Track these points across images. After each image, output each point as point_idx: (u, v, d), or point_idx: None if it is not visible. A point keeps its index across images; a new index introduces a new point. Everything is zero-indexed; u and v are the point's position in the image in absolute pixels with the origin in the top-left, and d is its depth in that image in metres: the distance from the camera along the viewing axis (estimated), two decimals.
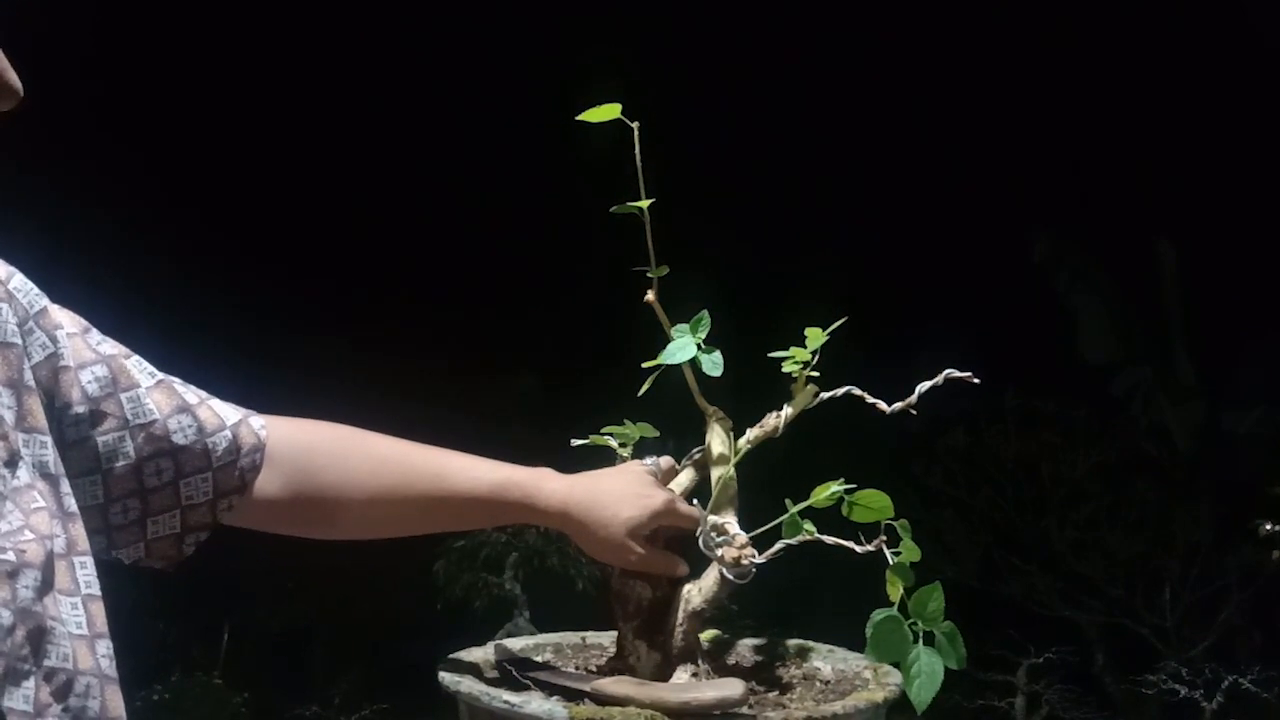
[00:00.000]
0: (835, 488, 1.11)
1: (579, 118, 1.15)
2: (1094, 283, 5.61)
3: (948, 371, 1.12)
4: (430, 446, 1.28)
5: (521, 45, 6.05)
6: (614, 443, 1.30)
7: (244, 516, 1.17)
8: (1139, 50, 5.48)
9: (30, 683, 0.87)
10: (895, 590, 1.04)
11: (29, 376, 1.01)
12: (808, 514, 1.13)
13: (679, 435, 1.28)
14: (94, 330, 1.09)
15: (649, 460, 1.25)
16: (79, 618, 0.94)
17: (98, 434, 1.06)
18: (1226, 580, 4.66)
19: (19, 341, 1.00)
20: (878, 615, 1.02)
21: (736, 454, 1.21)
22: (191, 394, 1.15)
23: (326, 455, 1.23)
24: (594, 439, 1.30)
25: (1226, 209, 5.30)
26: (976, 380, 1.10)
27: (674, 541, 1.23)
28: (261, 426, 1.19)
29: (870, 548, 1.07)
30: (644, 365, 1.18)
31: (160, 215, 5.36)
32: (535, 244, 6.13)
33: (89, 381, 1.06)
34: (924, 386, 1.13)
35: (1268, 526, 4.02)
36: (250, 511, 1.17)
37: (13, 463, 0.95)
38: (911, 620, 1.02)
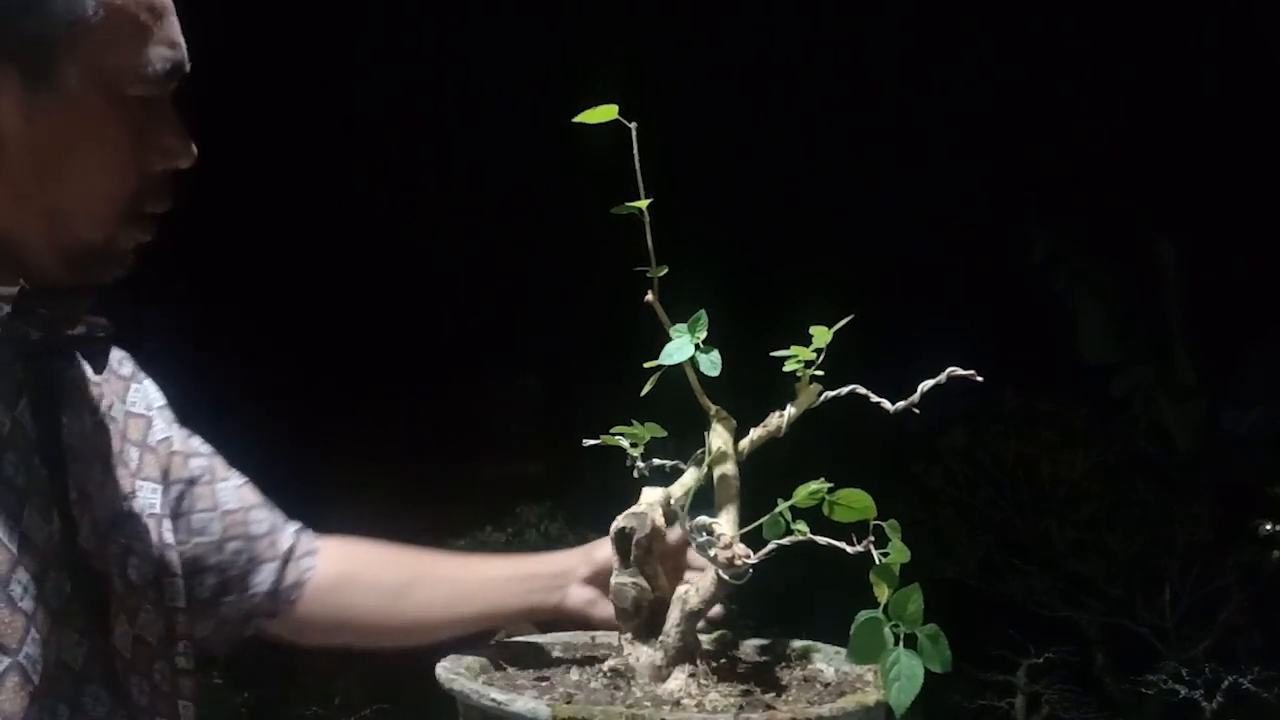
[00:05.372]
0: (815, 486, 1.11)
1: (576, 119, 1.15)
2: (1094, 283, 5.61)
3: (951, 369, 1.12)
4: (455, 555, 1.55)
5: (520, 45, 6.05)
6: (625, 443, 1.30)
7: (297, 617, 1.40)
8: (1139, 49, 5.49)
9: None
10: (882, 592, 1.04)
11: (152, 440, 1.30)
12: (806, 513, 1.13)
13: (681, 435, 1.28)
14: (198, 436, 1.38)
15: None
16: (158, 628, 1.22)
17: (194, 512, 1.33)
18: (1226, 580, 4.66)
19: (145, 415, 1.31)
20: (861, 617, 1.02)
21: (739, 454, 1.21)
22: (266, 500, 1.41)
23: (359, 576, 1.45)
24: (605, 439, 1.30)
25: (1226, 209, 5.29)
26: (980, 379, 1.10)
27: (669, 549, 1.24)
28: (315, 540, 1.44)
29: (859, 549, 1.06)
30: (645, 365, 1.18)
31: None
32: (535, 244, 6.13)
33: (195, 468, 1.34)
34: (927, 385, 1.13)
35: (1268, 526, 4.02)
36: (301, 614, 1.40)
37: (129, 497, 1.23)
38: (893, 622, 1.01)
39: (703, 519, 1.17)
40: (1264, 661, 4.09)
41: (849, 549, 1.06)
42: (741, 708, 1.11)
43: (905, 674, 0.98)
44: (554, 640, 1.35)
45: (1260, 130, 5.10)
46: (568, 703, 1.07)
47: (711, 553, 1.15)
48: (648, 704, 1.10)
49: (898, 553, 1.04)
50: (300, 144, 5.92)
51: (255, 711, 4.41)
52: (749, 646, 1.34)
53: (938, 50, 5.85)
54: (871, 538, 1.05)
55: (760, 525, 1.16)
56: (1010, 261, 5.61)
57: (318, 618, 1.42)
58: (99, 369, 1.19)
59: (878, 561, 1.04)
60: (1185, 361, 5.55)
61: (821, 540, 1.09)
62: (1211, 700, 3.97)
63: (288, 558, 1.39)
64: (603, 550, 1.35)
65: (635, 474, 1.29)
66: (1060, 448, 4.98)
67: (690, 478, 1.25)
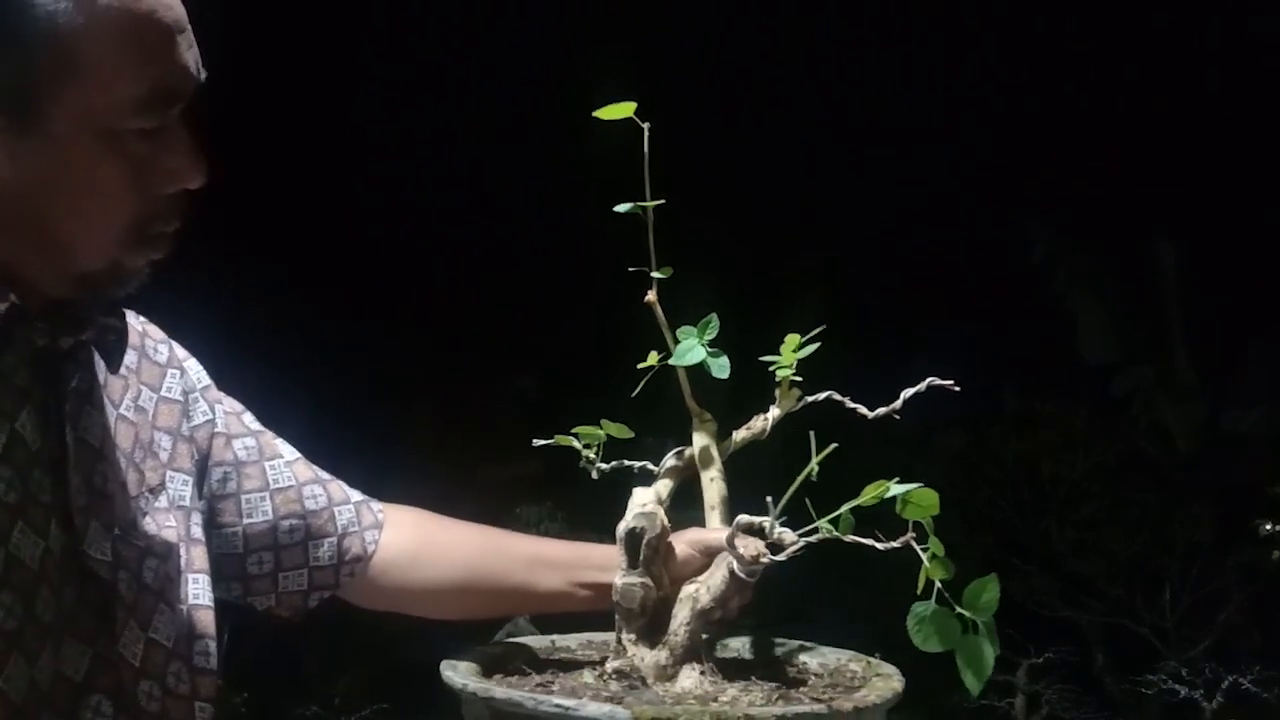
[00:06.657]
0: (894, 489, 1.10)
1: (595, 114, 1.15)
2: (1094, 283, 5.60)
3: (930, 380, 1.14)
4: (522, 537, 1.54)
5: (521, 44, 6.05)
6: (578, 444, 1.30)
7: (363, 586, 1.40)
8: (1139, 49, 5.48)
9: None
10: (924, 582, 1.06)
11: (185, 428, 1.29)
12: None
13: (679, 436, 1.28)
14: (249, 413, 1.39)
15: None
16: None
17: (242, 492, 1.32)
18: (1226, 580, 4.65)
19: (181, 401, 1.29)
20: (920, 608, 1.04)
21: (723, 453, 1.22)
22: (324, 473, 1.41)
23: (432, 547, 1.44)
24: (559, 439, 1.30)
25: (1226, 209, 5.29)
26: (958, 388, 1.12)
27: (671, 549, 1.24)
28: (380, 510, 1.43)
29: (896, 545, 1.08)
30: (639, 366, 1.18)
31: None
32: (537, 243, 6.13)
33: (240, 449, 1.34)
34: (908, 393, 1.15)
35: (1268, 526, 4.01)
36: (368, 584, 1.40)
37: (156, 491, 1.22)
38: (958, 611, 1.04)
39: (748, 517, 1.16)
40: (1264, 661, 4.09)
41: (880, 546, 1.07)
42: (785, 699, 1.11)
43: (978, 660, 1.03)
44: (538, 641, 1.34)
45: (1260, 130, 5.10)
46: (615, 701, 1.06)
47: (739, 549, 1.14)
48: (718, 702, 1.10)
49: (936, 545, 1.06)
50: (297, 143, 5.91)
51: (255, 711, 4.41)
52: (735, 644, 1.34)
53: (939, 50, 5.85)
54: (913, 533, 1.06)
55: (759, 523, 1.16)
56: (1010, 261, 5.60)
57: (385, 589, 1.42)
58: (114, 368, 1.18)
59: (922, 556, 1.05)
60: (1185, 361, 5.54)
61: (848, 538, 1.10)
62: (1211, 700, 3.96)
63: (347, 531, 1.38)
64: (692, 535, 1.30)
65: (594, 474, 1.29)
66: (1060, 448, 4.97)
67: (674, 477, 1.26)
